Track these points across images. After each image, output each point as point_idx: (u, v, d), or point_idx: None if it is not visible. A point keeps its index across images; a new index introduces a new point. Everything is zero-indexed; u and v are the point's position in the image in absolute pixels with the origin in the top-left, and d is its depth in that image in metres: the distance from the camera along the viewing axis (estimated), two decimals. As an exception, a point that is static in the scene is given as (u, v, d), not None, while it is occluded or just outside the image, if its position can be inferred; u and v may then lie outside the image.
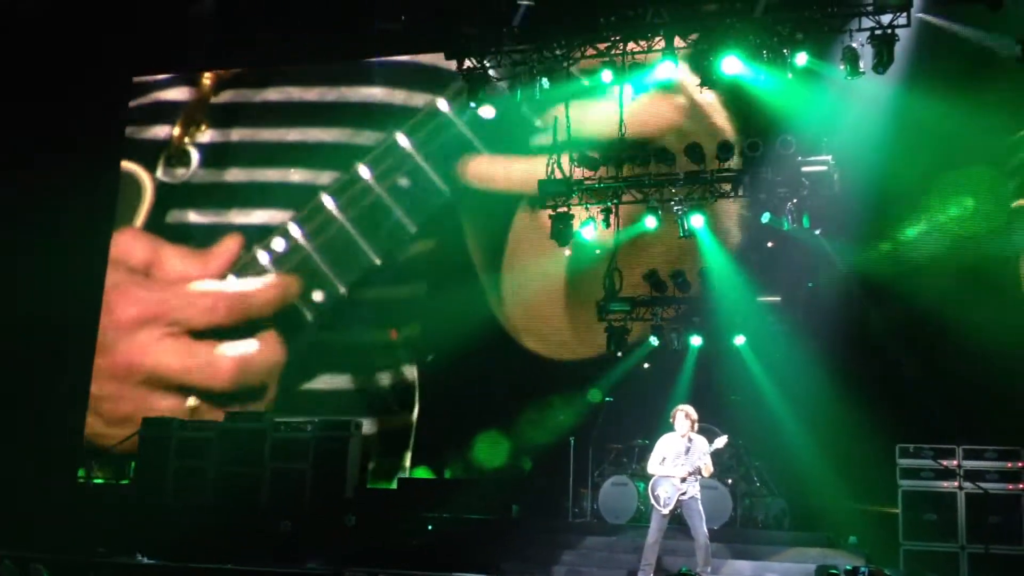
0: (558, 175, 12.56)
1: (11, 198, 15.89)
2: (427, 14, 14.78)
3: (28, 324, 15.63)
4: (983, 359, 11.49)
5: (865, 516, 11.64)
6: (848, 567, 9.10)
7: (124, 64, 17.34)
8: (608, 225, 12.78)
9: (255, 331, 16.22)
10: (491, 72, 12.28)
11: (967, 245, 12.64)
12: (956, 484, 10.77)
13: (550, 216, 12.66)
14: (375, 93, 16.51)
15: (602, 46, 11.90)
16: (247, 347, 16.18)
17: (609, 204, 12.74)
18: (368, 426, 14.70)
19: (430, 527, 12.20)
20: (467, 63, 12.21)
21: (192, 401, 16.12)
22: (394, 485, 14.65)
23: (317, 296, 16.20)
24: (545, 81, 12.08)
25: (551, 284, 14.99)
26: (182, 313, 16.57)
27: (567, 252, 14.08)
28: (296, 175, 16.63)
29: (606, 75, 11.97)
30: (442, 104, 15.91)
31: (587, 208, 12.79)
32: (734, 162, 12.02)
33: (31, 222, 15.98)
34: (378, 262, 15.95)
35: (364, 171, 16.19)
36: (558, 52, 12.07)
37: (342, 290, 16.09)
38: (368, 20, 16.37)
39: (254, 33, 16.68)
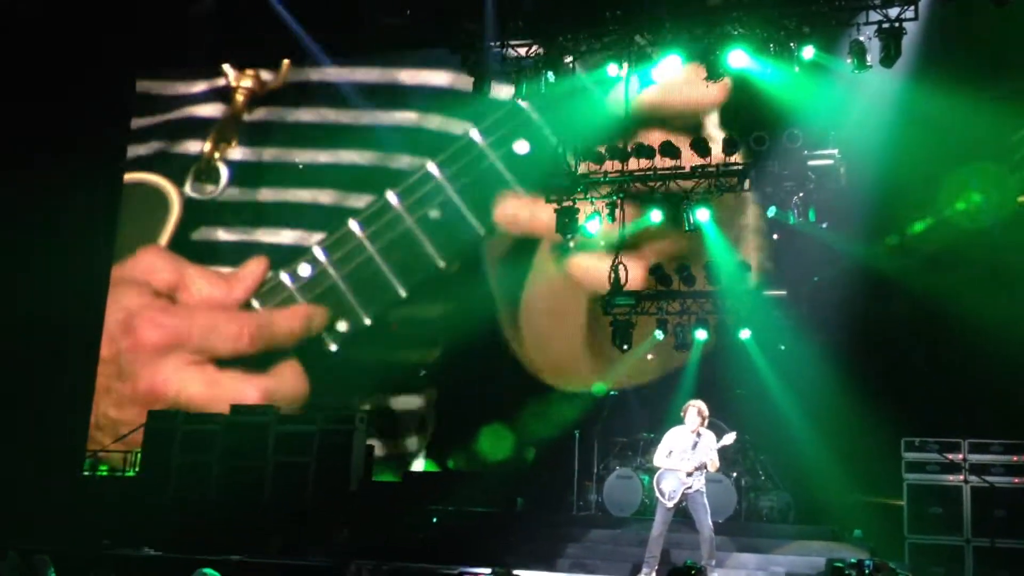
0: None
1: (13, 198, 15.88)
2: (431, 8, 14.78)
3: (31, 323, 15.65)
4: (990, 352, 11.47)
5: (870, 509, 11.64)
6: (853, 560, 9.08)
7: (125, 64, 17.24)
8: (613, 219, 12.75)
9: (278, 360, 16.05)
10: (495, 66, 12.27)
11: (974, 239, 12.61)
12: (962, 478, 10.76)
13: (555, 211, 12.64)
14: (410, 117, 16.30)
15: (607, 40, 11.88)
16: (275, 377, 15.99)
17: (615, 198, 12.73)
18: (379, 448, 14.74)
19: (435, 520, 12.22)
20: (471, 59, 12.21)
21: None
22: (399, 478, 14.67)
23: (342, 326, 16.06)
24: (550, 76, 12.06)
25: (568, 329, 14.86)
26: (206, 341, 16.33)
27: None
28: (326, 196, 16.41)
29: (611, 69, 11.96)
30: (475, 135, 15.68)
31: (592, 202, 12.78)
32: (742, 154, 11.98)
33: (33, 222, 16.00)
34: (404, 294, 15.81)
35: (394, 200, 16.00)
36: (563, 47, 12.06)
37: (367, 321, 15.92)
38: (372, 15, 16.36)
39: (256, 31, 16.62)
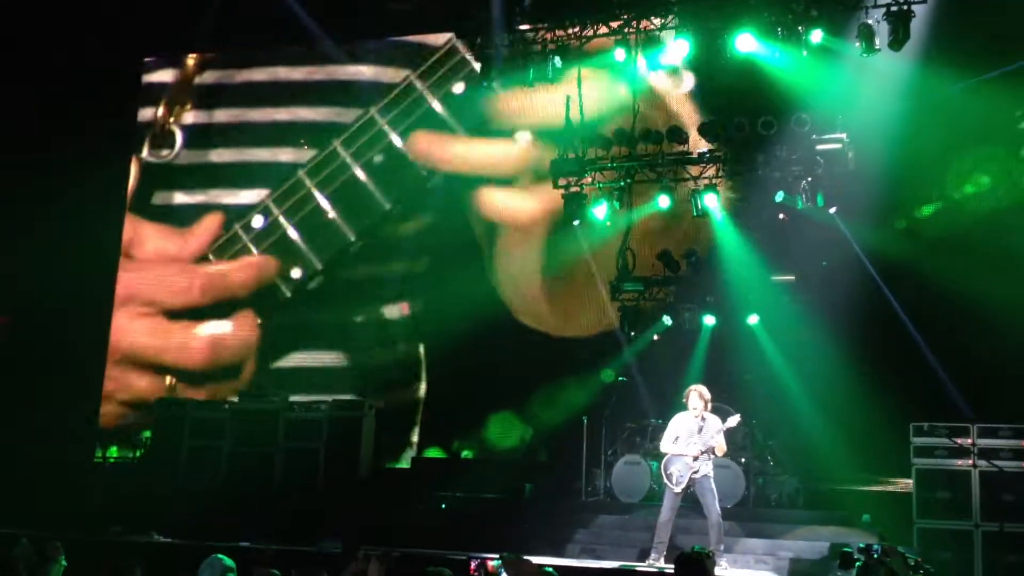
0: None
1: (24, 182, 15.94)
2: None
3: (42, 307, 15.75)
4: (999, 336, 11.43)
5: (879, 495, 11.63)
6: (861, 545, 9.07)
7: (132, 48, 17.33)
8: (620, 205, 12.73)
9: (231, 311, 16.36)
10: (503, 51, 12.22)
11: (983, 223, 12.55)
12: (970, 462, 10.71)
13: (563, 196, 12.61)
14: (363, 71, 16.58)
15: (615, 24, 11.83)
16: (222, 327, 16.33)
17: (622, 183, 12.70)
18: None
19: (444, 506, 12.25)
20: (479, 42, 12.18)
21: (168, 381, 16.30)
22: (407, 464, 14.70)
23: (295, 273, 16.33)
24: (557, 60, 12.01)
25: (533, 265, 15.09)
26: (157, 294, 16.74)
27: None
28: (284, 155, 16.71)
29: (619, 54, 11.90)
30: (417, 81, 16.00)
31: (599, 188, 12.75)
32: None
33: (42, 208, 16.07)
34: (352, 239, 16.11)
35: (340, 148, 16.31)
36: (570, 31, 12.01)
37: (318, 266, 16.24)
38: (376, 1, 16.31)
39: (259, 14, 16.58)
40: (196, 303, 16.50)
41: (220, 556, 6.31)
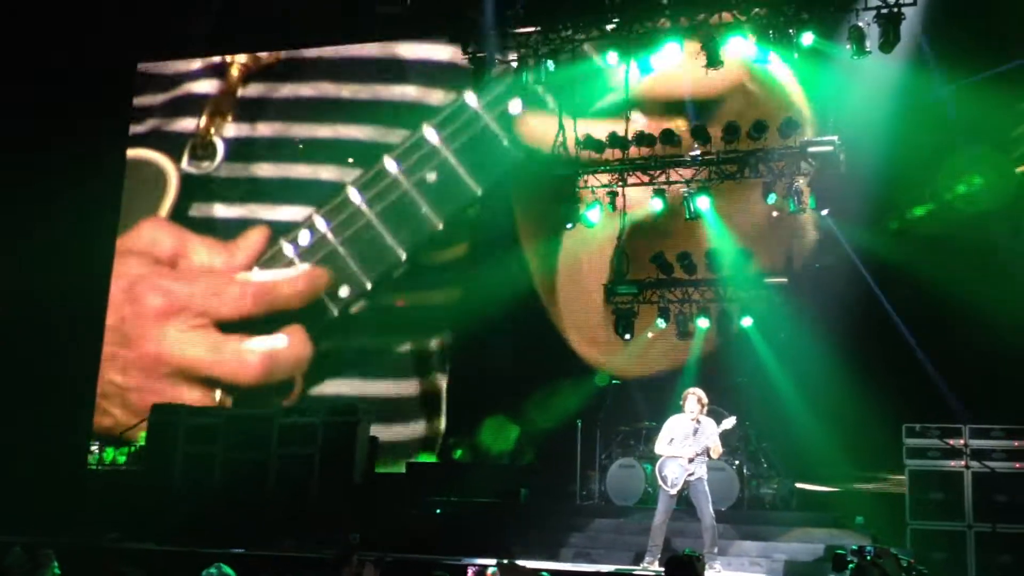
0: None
1: (17, 183, 15.95)
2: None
3: (35, 311, 15.74)
4: (991, 337, 11.45)
5: (872, 496, 11.65)
6: (855, 547, 9.09)
7: (128, 48, 17.37)
8: (614, 208, 12.75)
9: (283, 325, 16.20)
10: (496, 56, 12.24)
11: (975, 223, 12.58)
12: (963, 463, 10.75)
13: (556, 199, 12.63)
14: (409, 92, 16.38)
15: (608, 28, 11.85)
16: (276, 341, 16.16)
17: (615, 187, 12.72)
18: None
19: (438, 511, 12.24)
20: (471, 47, 12.18)
21: (218, 395, 16.15)
22: (403, 469, 14.69)
23: (343, 291, 16.15)
24: (551, 64, 12.03)
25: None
26: (209, 304, 16.55)
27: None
28: (325, 172, 16.52)
29: (612, 57, 11.92)
30: (470, 98, 15.75)
31: (593, 191, 12.77)
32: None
33: (38, 209, 16.05)
34: (403, 257, 15.90)
35: (391, 165, 16.11)
36: (564, 34, 12.03)
37: (368, 286, 16.02)
38: (369, 4, 16.33)
39: (254, 17, 16.63)
40: (248, 313, 16.34)
41: (221, 565, 6.32)
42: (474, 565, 8.62)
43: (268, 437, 13.29)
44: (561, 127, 12.68)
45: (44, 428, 15.04)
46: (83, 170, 16.35)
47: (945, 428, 10.91)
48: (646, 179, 12.71)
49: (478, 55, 12.23)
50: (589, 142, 12.47)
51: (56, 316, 16.05)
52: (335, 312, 16.15)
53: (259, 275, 16.55)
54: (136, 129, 17.78)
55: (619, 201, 12.77)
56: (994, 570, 10.23)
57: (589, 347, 14.62)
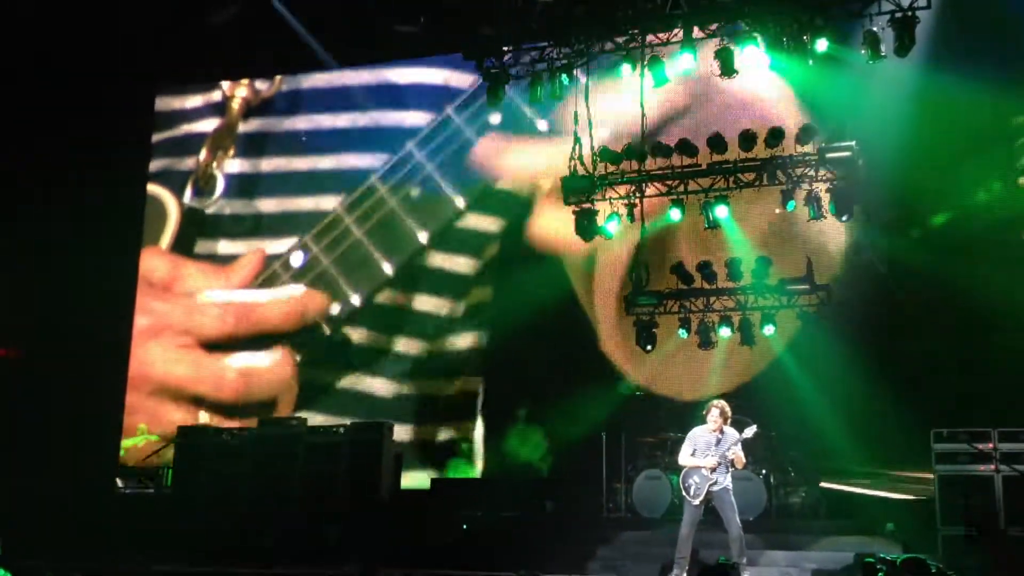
0: (581, 170, 12.50)
1: (40, 215, 16.14)
2: (445, 15, 14.79)
3: (61, 341, 15.90)
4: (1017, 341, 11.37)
5: (901, 503, 11.55)
6: (884, 555, 9.01)
7: (147, 79, 17.61)
8: (633, 219, 12.73)
9: (267, 344, 16.38)
10: (510, 71, 12.26)
11: (997, 228, 12.48)
12: (993, 467, 10.64)
13: (574, 212, 12.62)
14: (407, 117, 16.58)
15: (620, 39, 11.86)
16: (256, 359, 16.36)
17: (633, 198, 12.70)
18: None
19: (465, 527, 12.22)
20: (485, 64, 12.21)
21: (204, 416, 16.32)
22: (427, 485, 14.68)
23: (334, 309, 16.35)
24: (565, 78, 12.04)
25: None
26: (191, 322, 16.78)
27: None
28: (327, 203, 16.72)
29: (625, 69, 11.92)
30: (451, 111, 16.04)
31: (611, 203, 12.76)
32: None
33: (60, 239, 16.32)
34: (390, 272, 16.11)
35: (378, 183, 16.38)
36: (577, 48, 12.04)
37: (356, 302, 16.24)
38: (386, 24, 16.43)
39: (271, 41, 16.76)
40: (231, 333, 16.53)
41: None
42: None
43: (295, 455, 13.29)
44: (577, 140, 12.66)
45: (71, 456, 15.16)
46: (107, 206, 16.70)
47: (973, 432, 10.81)
48: (663, 188, 12.68)
49: (493, 71, 12.26)
50: (605, 153, 12.45)
51: (80, 343, 16.18)
52: (328, 331, 16.32)
53: (241, 296, 16.75)
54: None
55: (637, 212, 12.75)
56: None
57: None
